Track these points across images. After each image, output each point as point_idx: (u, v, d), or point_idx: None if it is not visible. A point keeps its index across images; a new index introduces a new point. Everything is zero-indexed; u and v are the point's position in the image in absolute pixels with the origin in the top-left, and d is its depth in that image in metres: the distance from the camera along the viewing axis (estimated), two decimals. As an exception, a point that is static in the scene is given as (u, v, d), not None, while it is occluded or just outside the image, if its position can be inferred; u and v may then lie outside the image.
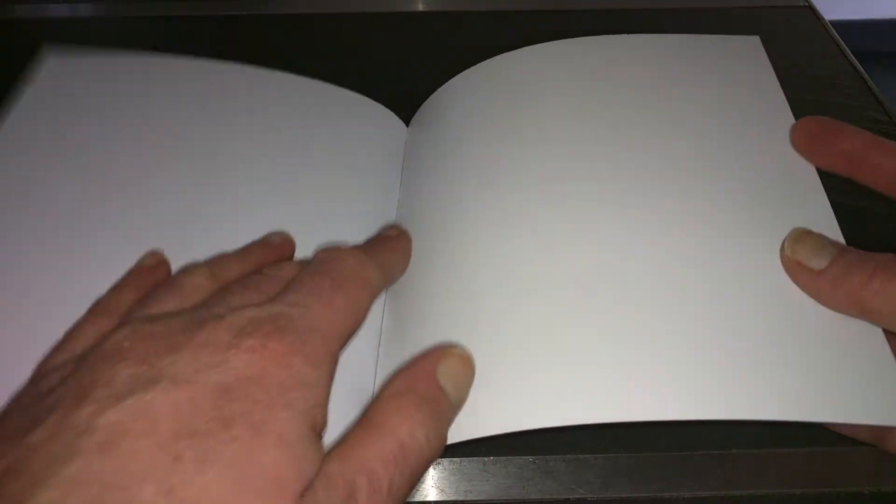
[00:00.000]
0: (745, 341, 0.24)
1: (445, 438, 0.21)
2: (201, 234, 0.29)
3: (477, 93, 0.36)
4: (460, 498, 0.26)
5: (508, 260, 0.27)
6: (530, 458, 0.27)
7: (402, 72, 0.46)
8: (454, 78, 0.37)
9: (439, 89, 0.38)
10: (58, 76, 0.36)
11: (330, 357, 0.20)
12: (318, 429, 0.19)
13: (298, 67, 0.46)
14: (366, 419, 0.20)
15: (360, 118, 0.37)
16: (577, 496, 0.26)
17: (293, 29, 0.50)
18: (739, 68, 0.34)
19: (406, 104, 0.39)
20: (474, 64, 0.46)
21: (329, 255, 0.23)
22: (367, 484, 0.18)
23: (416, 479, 0.20)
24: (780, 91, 0.33)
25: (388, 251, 0.27)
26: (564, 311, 0.25)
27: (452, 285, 0.27)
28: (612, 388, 0.23)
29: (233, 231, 0.29)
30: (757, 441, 0.27)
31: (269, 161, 0.33)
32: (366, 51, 0.48)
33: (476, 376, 0.24)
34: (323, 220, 0.31)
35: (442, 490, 0.26)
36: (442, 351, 0.22)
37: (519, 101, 0.34)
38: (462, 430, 0.22)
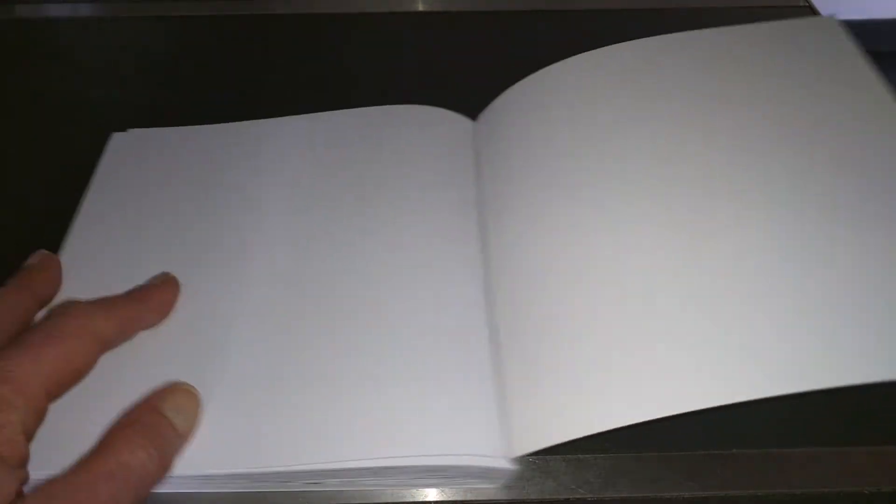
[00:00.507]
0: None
1: (170, 461, 0.23)
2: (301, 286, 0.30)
3: (562, 91, 0.35)
4: (460, 498, 0.26)
5: (605, 262, 0.28)
6: (530, 458, 0.27)
7: (402, 71, 0.46)
8: (535, 74, 0.37)
9: (515, 86, 0.37)
10: (125, 151, 0.37)
11: (23, 403, 0.22)
12: (10, 462, 0.21)
13: (298, 67, 0.46)
14: (94, 447, 0.22)
15: (421, 127, 0.37)
16: (577, 496, 0.26)
17: (293, 29, 0.50)
18: (824, 51, 0.33)
19: (408, 102, 0.39)
20: (474, 64, 0.46)
21: (58, 310, 0.26)
22: (87, 498, 0.21)
23: (141, 496, 0.22)
24: (871, 69, 0.32)
25: (134, 303, 0.28)
26: (675, 298, 0.27)
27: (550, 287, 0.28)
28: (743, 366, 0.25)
29: (322, 277, 0.30)
30: (757, 441, 0.27)
31: (336, 199, 0.34)
32: (366, 51, 0.48)
33: (568, 373, 0.26)
34: (407, 239, 0.32)
35: (442, 490, 0.26)
36: (169, 387, 0.25)
37: (604, 101, 0.34)
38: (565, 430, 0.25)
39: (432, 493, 0.26)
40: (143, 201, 0.34)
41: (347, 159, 0.36)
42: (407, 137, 0.37)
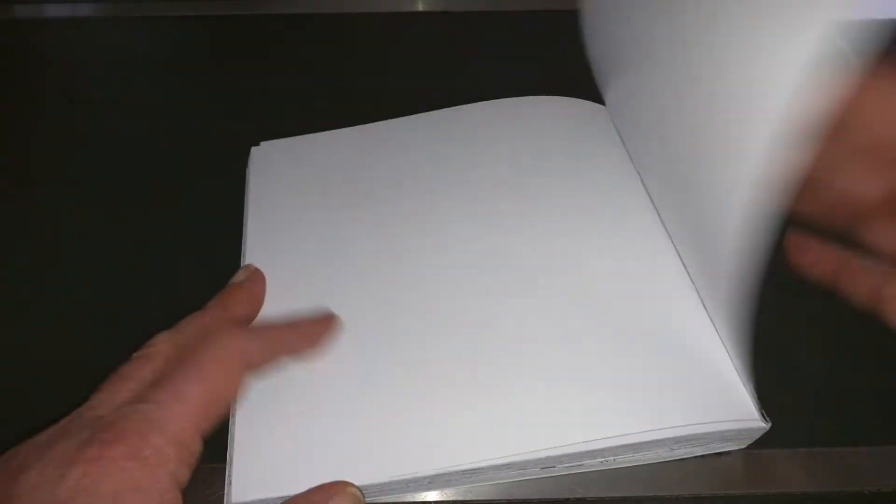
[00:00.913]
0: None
1: None
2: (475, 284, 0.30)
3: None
4: (460, 498, 0.26)
5: None
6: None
7: (403, 72, 0.46)
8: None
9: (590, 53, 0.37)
10: (268, 163, 0.36)
11: (175, 454, 0.21)
12: None
13: (298, 68, 0.46)
14: None
15: (563, 116, 0.38)
16: (577, 496, 0.26)
17: (293, 29, 0.50)
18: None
19: (410, 104, 0.39)
20: (475, 65, 0.46)
21: (207, 340, 0.24)
22: None
23: None
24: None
25: (282, 328, 0.27)
26: None
27: None
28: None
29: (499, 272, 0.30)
30: (757, 441, 0.27)
31: (502, 191, 0.34)
32: (366, 51, 0.48)
33: None
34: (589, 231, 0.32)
35: (442, 490, 0.26)
36: (335, 487, 0.23)
37: None
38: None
39: (432, 493, 0.26)
40: (307, 212, 0.33)
41: (500, 153, 0.36)
42: (551, 127, 0.37)
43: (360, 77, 0.45)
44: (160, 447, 0.21)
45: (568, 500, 0.26)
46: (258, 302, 0.29)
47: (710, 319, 0.28)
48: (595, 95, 0.39)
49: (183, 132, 0.41)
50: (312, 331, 0.28)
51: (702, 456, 0.27)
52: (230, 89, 0.45)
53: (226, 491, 0.24)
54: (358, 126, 0.38)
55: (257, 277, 0.30)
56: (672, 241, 0.31)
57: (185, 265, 0.33)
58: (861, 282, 0.25)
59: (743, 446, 0.27)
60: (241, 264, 0.31)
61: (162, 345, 0.24)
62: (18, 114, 0.43)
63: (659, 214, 0.32)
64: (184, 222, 0.36)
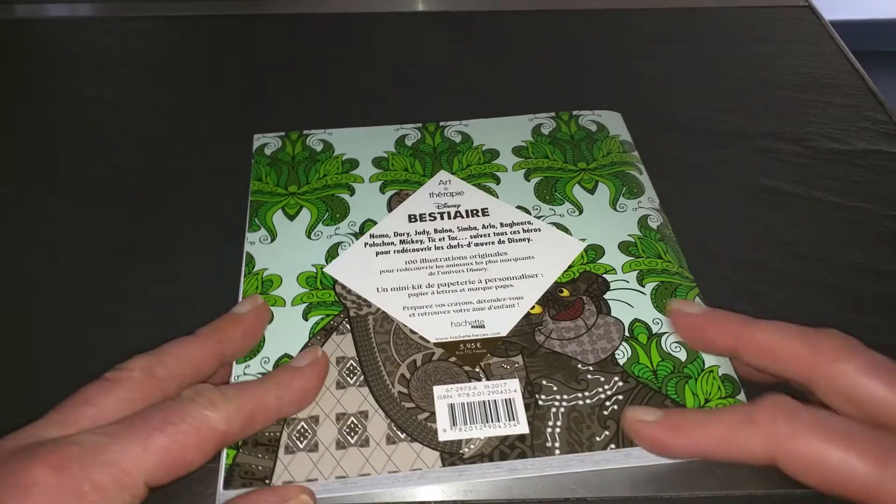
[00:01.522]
0: None
1: None
2: None
3: None
4: (460, 498, 0.26)
5: None
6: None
7: (402, 72, 0.46)
8: None
9: None
10: None
11: (118, 494, 0.20)
12: None
13: (298, 67, 0.46)
14: None
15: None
16: (577, 496, 0.26)
17: (294, 29, 0.50)
18: None
19: (410, 104, 0.39)
20: (475, 65, 0.46)
21: (186, 393, 0.23)
22: None
23: None
24: None
25: (271, 391, 0.25)
26: None
27: None
28: None
29: None
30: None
31: None
32: (366, 51, 0.48)
33: None
34: None
35: (442, 490, 0.26)
36: (291, 491, 0.23)
37: None
38: None
39: (434, 494, 0.26)
40: None
41: None
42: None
43: (359, 76, 0.45)
44: (102, 484, 0.20)
45: (568, 500, 0.26)
46: (254, 340, 0.27)
47: None
48: (598, 96, 0.39)
49: (182, 132, 0.41)
50: (304, 389, 0.26)
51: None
52: (230, 89, 0.45)
53: (217, 487, 0.24)
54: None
55: (261, 313, 0.27)
56: None
57: (185, 265, 0.33)
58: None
59: None
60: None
61: (136, 371, 0.23)
62: (18, 113, 0.43)
63: None
64: (184, 222, 0.36)
